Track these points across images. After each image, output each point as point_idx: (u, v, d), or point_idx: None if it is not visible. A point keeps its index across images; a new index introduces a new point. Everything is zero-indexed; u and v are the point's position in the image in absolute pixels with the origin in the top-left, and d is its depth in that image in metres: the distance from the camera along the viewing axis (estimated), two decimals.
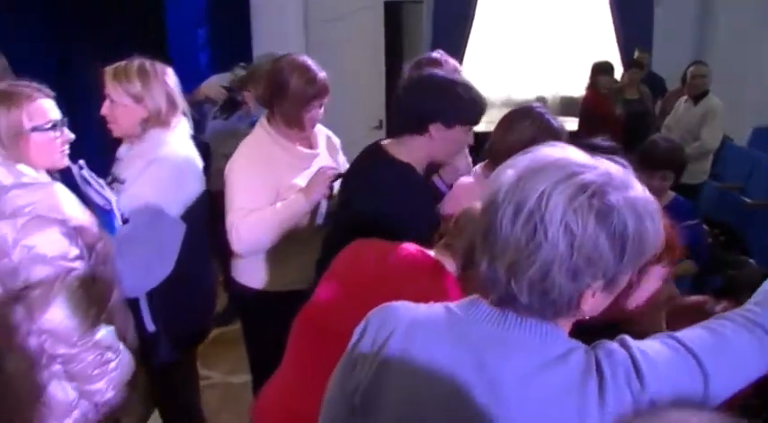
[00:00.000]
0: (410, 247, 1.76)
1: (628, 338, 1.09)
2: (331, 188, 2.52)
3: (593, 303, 1.06)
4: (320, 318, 1.78)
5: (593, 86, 6.18)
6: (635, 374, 1.03)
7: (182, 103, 2.50)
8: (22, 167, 1.95)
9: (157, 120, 2.41)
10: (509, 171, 1.06)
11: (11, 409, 1.99)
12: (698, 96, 5.42)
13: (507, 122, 2.31)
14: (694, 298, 1.82)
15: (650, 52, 6.96)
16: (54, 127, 2.03)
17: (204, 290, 2.67)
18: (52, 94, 2.05)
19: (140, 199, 2.33)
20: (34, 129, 1.98)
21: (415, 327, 1.14)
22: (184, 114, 2.53)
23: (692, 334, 1.11)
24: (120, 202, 2.32)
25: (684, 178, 4.84)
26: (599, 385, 1.02)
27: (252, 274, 2.73)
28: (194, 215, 2.44)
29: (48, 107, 2.03)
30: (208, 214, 2.57)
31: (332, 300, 1.77)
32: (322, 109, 2.61)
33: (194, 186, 2.47)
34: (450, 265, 1.72)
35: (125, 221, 2.30)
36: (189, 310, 2.55)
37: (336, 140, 2.89)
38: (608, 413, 1.01)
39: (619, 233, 1.00)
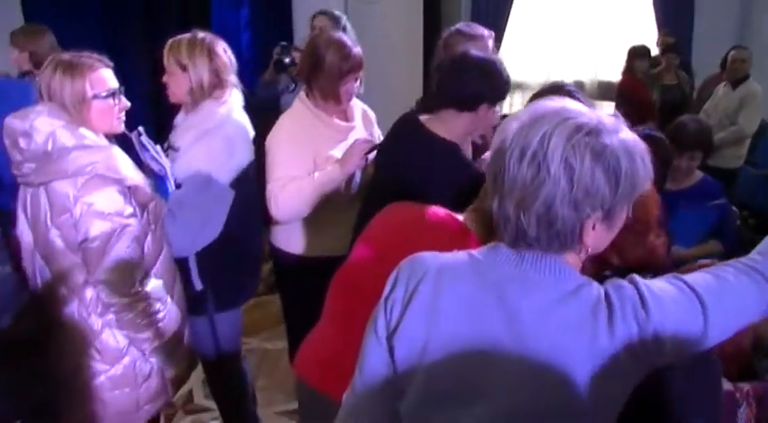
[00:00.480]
0: (439, 210, 1.87)
1: (636, 276, 1.21)
2: (366, 159, 2.62)
3: (595, 236, 1.18)
4: (354, 276, 1.92)
5: (629, 71, 6.15)
6: (641, 306, 1.15)
7: (229, 77, 2.64)
8: (83, 131, 2.11)
9: (201, 90, 2.57)
10: (513, 122, 1.19)
11: (68, 353, 2.18)
12: (737, 81, 5.36)
13: (537, 99, 2.40)
14: (703, 261, 1.91)
15: (691, 36, 6.89)
16: (113, 95, 2.19)
17: (251, 253, 2.82)
18: (111, 64, 2.22)
19: (193, 167, 2.50)
20: (95, 96, 2.15)
21: (443, 271, 1.27)
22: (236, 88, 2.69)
23: (696, 276, 1.22)
24: (173, 168, 2.51)
25: (720, 162, 4.89)
26: (608, 316, 1.14)
27: (290, 240, 2.85)
28: (244, 182, 2.59)
29: (107, 76, 2.19)
30: (258, 182, 2.72)
31: (365, 260, 1.90)
32: (358, 82, 2.73)
33: (244, 156, 2.61)
34: (476, 229, 1.83)
35: (178, 186, 2.49)
36: (235, 271, 2.72)
37: (372, 114, 3.01)
38: (616, 341, 1.13)
39: (613, 168, 1.13)
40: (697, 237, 3.07)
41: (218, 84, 2.60)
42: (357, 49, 2.67)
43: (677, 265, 1.90)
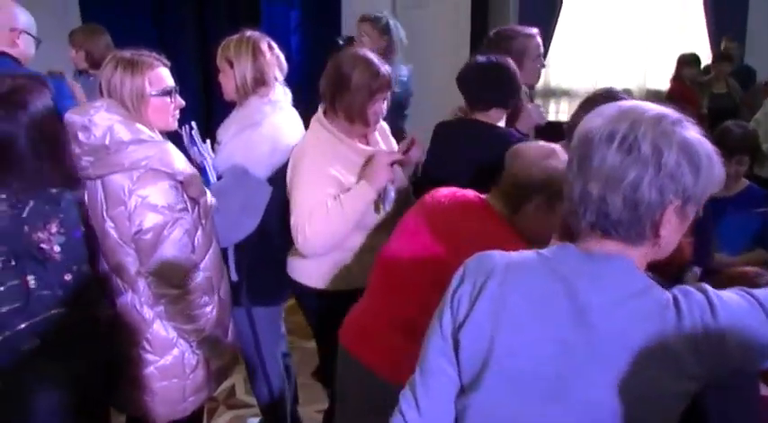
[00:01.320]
0: (468, 192, 2.04)
1: (705, 284, 1.24)
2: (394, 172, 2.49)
3: (670, 229, 1.21)
4: (391, 251, 2.10)
5: (678, 79, 6.08)
6: (709, 311, 1.17)
7: (273, 77, 2.70)
8: (139, 126, 2.18)
9: (245, 87, 2.65)
10: (596, 117, 1.23)
11: (120, 343, 2.25)
12: None
13: (591, 104, 2.40)
14: (745, 268, 1.91)
15: (743, 43, 6.76)
16: (169, 93, 2.26)
17: (285, 252, 2.71)
18: (168, 63, 2.29)
19: (232, 159, 2.58)
20: (153, 93, 2.22)
21: (511, 267, 1.29)
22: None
23: (762, 291, 1.24)
24: (215, 160, 2.59)
25: (766, 172, 4.79)
26: (677, 314, 1.17)
27: (311, 272, 2.59)
28: (284, 180, 2.60)
29: (165, 75, 2.26)
30: None
31: (401, 236, 2.09)
32: (385, 103, 2.52)
33: (285, 154, 2.63)
34: (500, 207, 1.99)
35: (219, 178, 2.57)
36: (271, 267, 2.72)
37: (386, 126, 2.80)
38: (683, 341, 1.15)
39: (696, 159, 1.17)
40: (742, 244, 3.03)
41: (262, 81, 2.67)
42: (386, 67, 2.47)
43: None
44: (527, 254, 1.32)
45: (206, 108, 5.09)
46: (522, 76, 2.77)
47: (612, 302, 1.19)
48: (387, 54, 3.82)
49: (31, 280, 1.92)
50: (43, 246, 1.92)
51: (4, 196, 1.93)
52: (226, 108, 2.80)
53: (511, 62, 2.69)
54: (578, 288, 1.21)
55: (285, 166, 2.60)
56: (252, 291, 2.71)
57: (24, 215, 1.92)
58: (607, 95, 2.33)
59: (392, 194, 2.44)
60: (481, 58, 2.72)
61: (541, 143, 2.07)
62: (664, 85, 6.67)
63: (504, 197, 1.99)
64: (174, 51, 4.48)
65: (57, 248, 1.94)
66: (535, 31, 3.15)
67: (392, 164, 2.43)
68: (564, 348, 1.20)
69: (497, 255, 1.33)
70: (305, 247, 2.39)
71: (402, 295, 2.01)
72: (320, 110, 2.54)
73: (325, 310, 2.57)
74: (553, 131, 2.82)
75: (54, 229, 1.95)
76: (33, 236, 1.92)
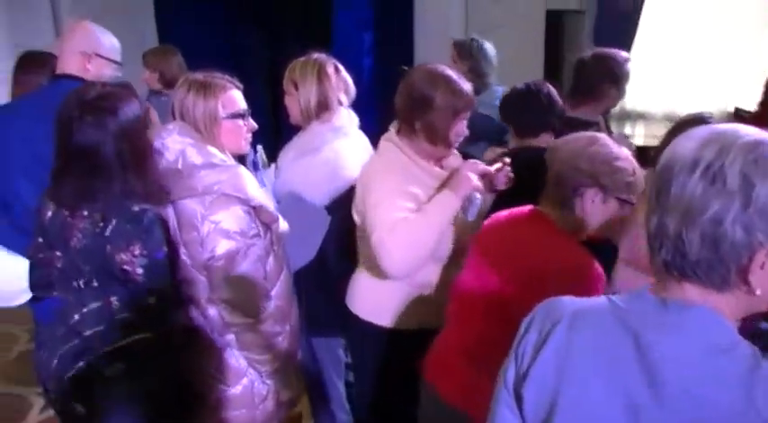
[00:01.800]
0: (524, 208, 2.02)
1: None
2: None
3: (763, 278, 1.02)
4: (458, 280, 2.06)
5: (765, 104, 5.79)
6: None
7: (338, 101, 2.64)
8: (211, 149, 2.14)
9: (308, 111, 2.60)
10: (684, 140, 1.07)
11: (191, 371, 2.19)
12: None
13: (679, 130, 2.28)
14: None
15: None
16: (242, 116, 2.22)
17: (343, 287, 2.54)
18: (241, 86, 2.25)
19: (289, 186, 2.53)
20: (226, 116, 2.18)
21: (579, 315, 1.17)
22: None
23: None
24: (274, 186, 2.54)
25: None
26: (766, 384, 1.00)
27: (379, 308, 2.39)
28: (343, 208, 2.51)
29: (238, 98, 2.22)
30: None
31: (466, 264, 2.07)
32: (465, 123, 2.35)
33: (345, 182, 2.54)
34: (551, 211, 1.94)
35: (278, 204, 2.50)
36: (330, 298, 2.61)
37: (456, 153, 2.57)
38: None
39: None
40: None
41: (325, 105, 2.61)
42: (468, 85, 2.30)
43: None
44: (599, 300, 1.20)
45: (275, 131, 5.10)
46: (606, 101, 2.68)
47: (688, 359, 1.03)
48: (479, 78, 3.69)
49: (114, 301, 1.88)
50: (126, 267, 1.88)
51: (86, 213, 1.91)
52: (295, 132, 2.75)
53: (547, 84, 2.72)
54: (650, 342, 1.06)
55: (345, 193, 2.52)
56: (311, 320, 2.64)
57: (107, 234, 1.89)
58: (698, 121, 2.23)
59: (478, 202, 2.25)
60: (519, 86, 2.73)
61: (580, 133, 1.97)
62: (748, 108, 6.37)
63: (552, 199, 1.93)
64: (245, 73, 4.51)
65: (139, 270, 1.89)
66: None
67: (480, 176, 2.26)
68: (632, 412, 1.06)
69: (567, 300, 1.22)
70: (390, 266, 2.14)
71: (465, 325, 1.98)
72: (392, 130, 2.38)
73: (391, 350, 2.39)
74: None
75: (137, 250, 1.89)
76: (116, 256, 1.88)
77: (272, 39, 6.16)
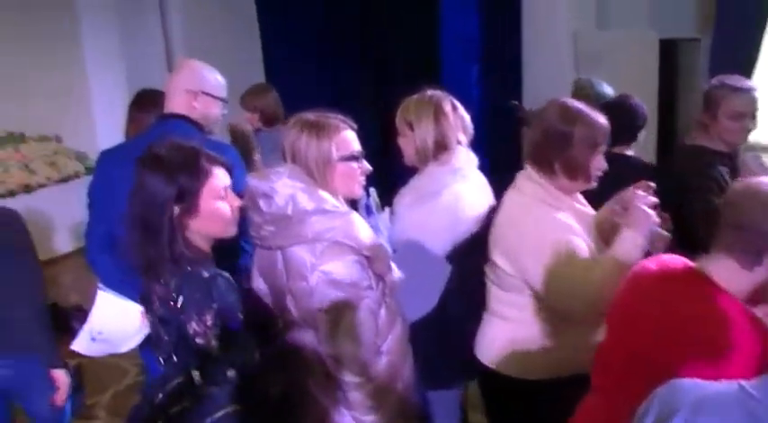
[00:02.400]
0: (677, 262, 1.73)
1: None
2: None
3: None
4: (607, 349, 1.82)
5: None
6: None
7: (456, 140, 2.48)
8: (323, 194, 2.03)
9: (425, 152, 2.45)
10: None
11: None
12: None
13: None
14: None
15: None
16: (356, 158, 2.10)
17: (464, 340, 2.41)
18: (355, 126, 2.13)
19: (407, 233, 2.37)
20: (340, 158, 2.06)
21: (701, 405, 1.06)
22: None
23: None
24: (390, 233, 2.38)
25: None
26: None
27: (526, 360, 2.22)
28: (467, 257, 2.37)
29: (351, 138, 2.11)
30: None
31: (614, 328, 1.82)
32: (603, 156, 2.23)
33: (467, 227, 2.40)
34: (721, 272, 1.61)
35: (394, 252, 2.33)
36: (448, 351, 2.46)
37: None
38: None
39: None
40: None
41: (443, 145, 2.45)
42: (602, 117, 2.20)
43: None
44: (727, 388, 1.07)
45: (384, 173, 5.03)
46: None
47: None
48: None
49: (197, 376, 1.72)
50: (199, 340, 1.71)
51: (161, 283, 1.78)
52: (406, 173, 2.60)
53: (630, 96, 3.11)
54: None
55: (468, 239, 2.38)
56: (426, 373, 2.44)
57: (179, 305, 1.74)
58: None
59: (664, 234, 2.11)
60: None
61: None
62: None
63: (732, 253, 1.59)
64: (351, 111, 4.49)
65: (214, 343, 1.72)
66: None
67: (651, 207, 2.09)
68: None
69: (690, 385, 1.12)
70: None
71: (605, 380, 1.80)
72: (530, 168, 2.23)
73: (534, 402, 2.20)
74: None
75: (209, 320, 1.72)
76: (189, 328, 1.72)
77: (377, 75, 6.12)
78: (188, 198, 1.76)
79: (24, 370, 2.43)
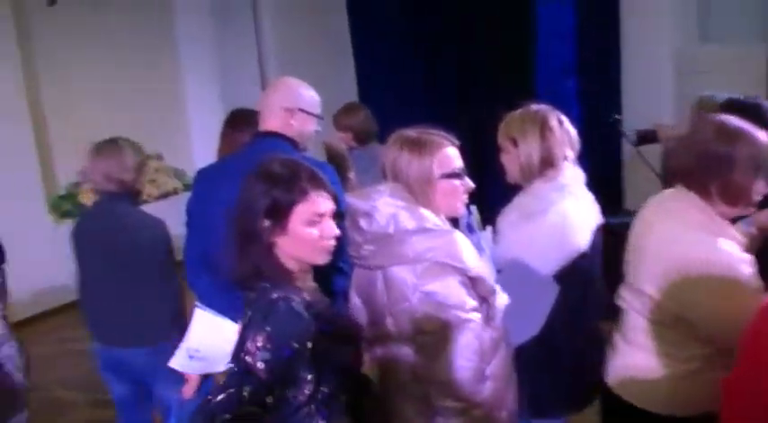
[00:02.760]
0: None
1: None
2: None
3: None
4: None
5: None
6: None
7: (563, 156, 2.38)
8: (424, 213, 1.97)
9: (530, 168, 2.35)
10: None
11: None
12: None
13: None
14: None
15: None
16: (459, 175, 2.03)
17: (579, 362, 2.34)
18: (457, 142, 2.07)
19: (511, 253, 2.27)
20: (442, 176, 2.00)
21: None
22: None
23: None
24: (493, 252, 2.28)
25: None
26: None
27: (658, 388, 2.06)
28: (575, 278, 2.27)
29: (453, 155, 2.04)
30: (597, 278, 2.38)
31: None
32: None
33: (575, 247, 2.29)
34: None
35: (499, 272, 2.23)
36: (552, 375, 2.35)
37: None
38: None
39: None
40: None
41: (549, 161, 2.34)
42: (764, 134, 1.99)
43: None
44: None
45: (480, 190, 4.96)
46: None
47: None
48: None
49: (246, 393, 1.62)
50: (248, 358, 1.64)
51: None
52: (502, 191, 2.51)
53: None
54: None
55: (580, 261, 2.27)
56: (533, 402, 2.33)
57: (246, 322, 1.71)
58: None
59: None
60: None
61: None
62: None
63: None
64: (445, 127, 4.45)
65: (260, 365, 1.63)
66: None
67: None
68: None
69: None
70: None
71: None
72: (693, 194, 2.02)
73: None
74: None
75: (259, 342, 1.64)
76: (245, 345, 1.66)
77: (471, 91, 6.05)
78: (278, 214, 1.71)
79: (160, 359, 2.47)
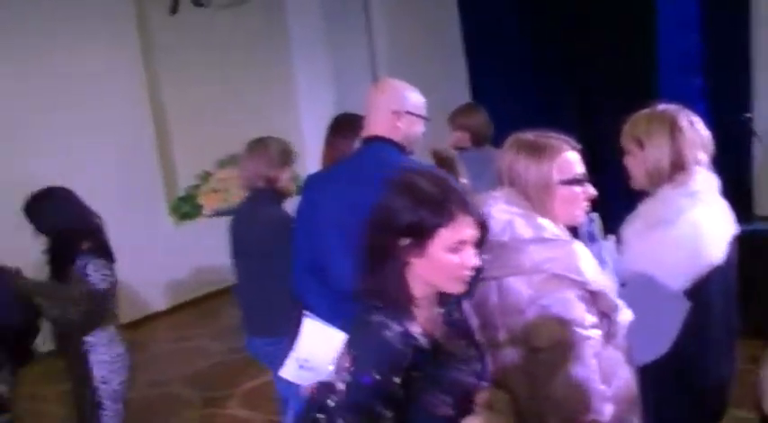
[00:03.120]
0: None
1: None
2: None
3: None
4: None
5: None
6: None
7: (694, 160, 2.20)
8: (541, 221, 1.86)
9: (657, 172, 2.21)
10: None
11: None
12: None
13: None
14: None
15: None
16: (579, 181, 1.91)
17: (709, 382, 2.24)
18: (578, 146, 1.94)
19: (636, 265, 2.13)
20: (561, 182, 1.88)
21: None
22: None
23: None
24: (617, 263, 2.14)
25: None
26: None
27: None
28: (707, 292, 2.11)
29: (574, 160, 1.91)
30: (731, 293, 2.20)
31: None
32: None
33: (708, 260, 2.13)
34: None
35: (622, 286, 2.10)
36: (683, 396, 2.20)
37: None
38: None
39: None
40: None
41: (679, 165, 2.19)
42: None
43: None
44: None
45: (602, 197, 4.79)
46: None
47: None
48: None
49: (330, 403, 1.56)
50: (335, 374, 1.58)
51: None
52: (625, 198, 2.37)
53: None
54: None
55: (712, 274, 2.11)
56: None
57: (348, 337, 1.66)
58: None
59: None
60: None
61: None
62: None
63: None
64: (562, 128, 4.30)
65: (341, 386, 1.55)
66: None
67: None
68: None
69: None
70: None
71: None
72: None
73: None
74: None
75: (346, 363, 1.57)
76: (339, 359, 1.60)
77: (587, 93, 5.83)
78: (420, 235, 1.57)
79: (282, 350, 2.47)
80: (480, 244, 1.64)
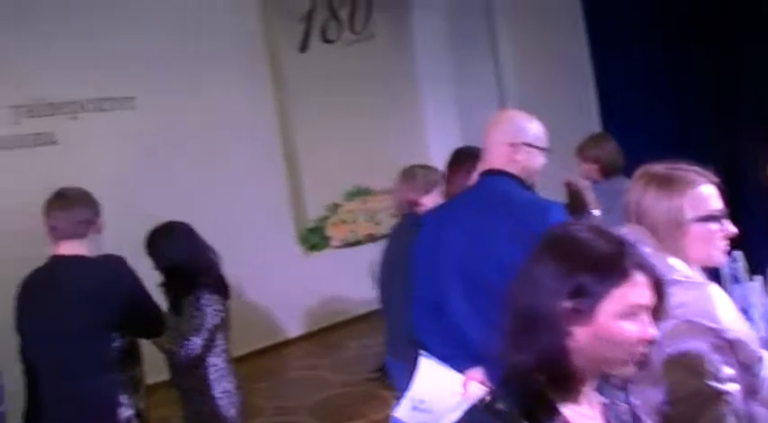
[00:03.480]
0: None
1: None
2: None
3: None
4: None
5: None
6: None
7: None
8: (672, 261, 1.71)
9: None
10: None
11: None
12: None
13: None
14: None
15: None
16: (715, 218, 1.75)
17: None
18: (715, 179, 1.78)
19: None
20: (695, 219, 1.73)
21: None
22: None
23: None
24: (766, 308, 1.94)
25: None
26: None
27: None
28: None
29: (710, 194, 1.76)
30: None
31: None
32: None
33: None
34: None
35: None
36: None
37: None
38: None
39: None
40: None
41: None
42: None
43: None
44: None
45: (744, 234, 4.47)
46: None
47: None
48: None
49: None
50: None
51: None
52: (762, 232, 2.15)
53: None
54: None
55: None
56: None
57: None
58: None
59: None
60: None
61: None
62: None
63: None
64: (698, 160, 4.05)
65: None
66: None
67: None
68: None
69: None
70: None
71: None
72: None
73: None
74: None
75: None
76: None
77: (727, 118, 5.47)
78: (587, 296, 1.29)
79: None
80: (657, 313, 1.36)
